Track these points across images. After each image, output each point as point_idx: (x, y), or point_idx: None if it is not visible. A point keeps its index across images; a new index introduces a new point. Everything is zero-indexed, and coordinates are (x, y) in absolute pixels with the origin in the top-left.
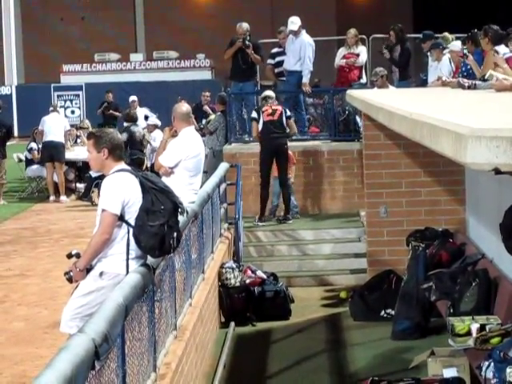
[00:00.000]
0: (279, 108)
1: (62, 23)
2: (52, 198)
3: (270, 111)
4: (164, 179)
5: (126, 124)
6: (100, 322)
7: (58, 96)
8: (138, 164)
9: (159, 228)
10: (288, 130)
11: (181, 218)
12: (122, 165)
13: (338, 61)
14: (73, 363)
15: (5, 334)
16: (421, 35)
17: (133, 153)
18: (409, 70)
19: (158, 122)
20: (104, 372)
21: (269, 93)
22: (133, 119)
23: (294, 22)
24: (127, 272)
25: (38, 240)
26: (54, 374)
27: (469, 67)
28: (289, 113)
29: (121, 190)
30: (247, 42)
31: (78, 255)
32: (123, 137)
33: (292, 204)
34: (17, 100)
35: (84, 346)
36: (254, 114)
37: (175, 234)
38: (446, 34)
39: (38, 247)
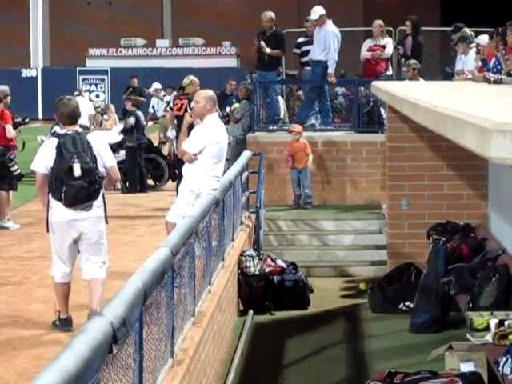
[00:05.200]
0: (185, 102)
1: (89, 7)
2: None
3: (178, 105)
4: (187, 166)
5: (130, 108)
6: (118, 306)
7: (83, 80)
8: (144, 148)
9: (52, 183)
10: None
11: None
12: (66, 129)
13: (364, 53)
14: (90, 346)
15: (23, 315)
16: (448, 28)
17: (139, 137)
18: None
19: None
20: (121, 356)
21: (187, 80)
22: (137, 105)
23: (315, 12)
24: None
25: None
26: (71, 356)
27: (497, 63)
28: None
29: (42, 153)
30: (262, 43)
31: None
32: (131, 121)
33: (306, 194)
34: (42, 83)
35: (102, 329)
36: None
37: (64, 189)
38: (466, 29)
39: None
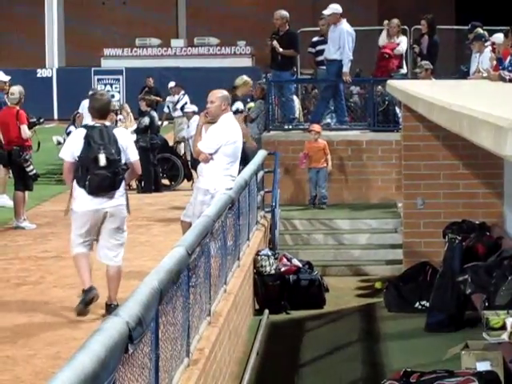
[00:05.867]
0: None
1: (103, 7)
2: None
3: None
4: (202, 165)
5: (144, 108)
6: (134, 306)
7: (98, 80)
8: (158, 148)
9: (77, 170)
10: None
11: (102, 163)
12: (94, 122)
13: (382, 41)
14: (106, 345)
15: (40, 315)
16: (463, 27)
17: (152, 137)
18: (435, 64)
19: (194, 109)
20: (137, 356)
21: (240, 80)
22: (151, 105)
23: (330, 7)
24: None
25: None
26: (87, 356)
27: None
28: (234, 107)
29: (71, 142)
30: (274, 43)
31: None
32: (145, 121)
33: (322, 194)
34: (57, 83)
35: (118, 328)
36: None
37: (88, 177)
38: (479, 29)
39: None
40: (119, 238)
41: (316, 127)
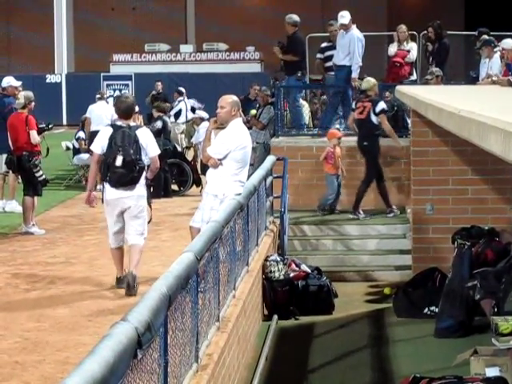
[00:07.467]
0: (368, 105)
1: (113, 13)
2: (99, 186)
3: (361, 109)
4: (211, 171)
5: (157, 114)
6: (143, 311)
7: (108, 85)
8: (169, 154)
9: (102, 167)
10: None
11: (119, 163)
12: (120, 122)
13: (391, 51)
14: (115, 351)
15: (48, 320)
16: (473, 32)
17: (165, 143)
18: (444, 67)
19: (205, 115)
20: (146, 361)
21: (367, 84)
22: (163, 110)
23: (344, 16)
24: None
25: (84, 228)
26: (96, 361)
27: None
28: (380, 107)
29: (101, 138)
30: (275, 48)
31: None
32: (158, 125)
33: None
34: (66, 88)
35: (127, 334)
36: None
37: (109, 173)
38: (485, 36)
39: (84, 235)
40: (138, 222)
41: (339, 134)
